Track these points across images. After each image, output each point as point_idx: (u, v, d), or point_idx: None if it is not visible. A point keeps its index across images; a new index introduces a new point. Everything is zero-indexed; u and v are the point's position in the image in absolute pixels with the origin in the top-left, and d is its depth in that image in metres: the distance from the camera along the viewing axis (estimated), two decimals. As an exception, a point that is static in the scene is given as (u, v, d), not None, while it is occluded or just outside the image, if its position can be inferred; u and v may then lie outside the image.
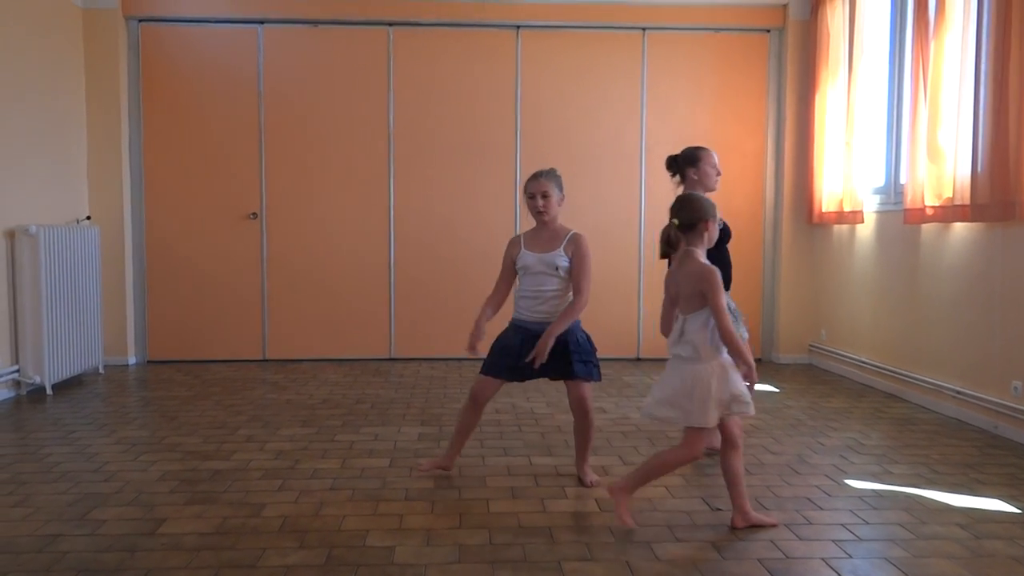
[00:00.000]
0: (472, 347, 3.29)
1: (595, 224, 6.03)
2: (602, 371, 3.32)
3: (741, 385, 2.69)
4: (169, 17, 5.97)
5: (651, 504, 3.04)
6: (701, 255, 2.75)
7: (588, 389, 3.26)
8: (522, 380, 3.29)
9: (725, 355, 2.68)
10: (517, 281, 3.37)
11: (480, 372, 3.32)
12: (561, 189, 3.30)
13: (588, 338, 3.29)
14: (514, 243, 3.37)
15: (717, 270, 2.66)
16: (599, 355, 3.29)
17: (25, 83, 5.05)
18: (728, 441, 2.78)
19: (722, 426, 2.74)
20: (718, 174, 3.73)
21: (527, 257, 3.27)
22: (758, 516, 2.83)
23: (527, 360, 3.16)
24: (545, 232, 3.30)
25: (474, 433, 3.62)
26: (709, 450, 3.83)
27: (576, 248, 3.23)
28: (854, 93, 5.36)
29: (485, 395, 3.31)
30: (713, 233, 2.78)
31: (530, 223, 3.37)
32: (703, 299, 2.65)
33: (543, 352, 3.13)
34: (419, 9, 6.03)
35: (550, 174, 3.27)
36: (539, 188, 3.24)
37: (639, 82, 6.22)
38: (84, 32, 5.78)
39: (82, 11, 5.76)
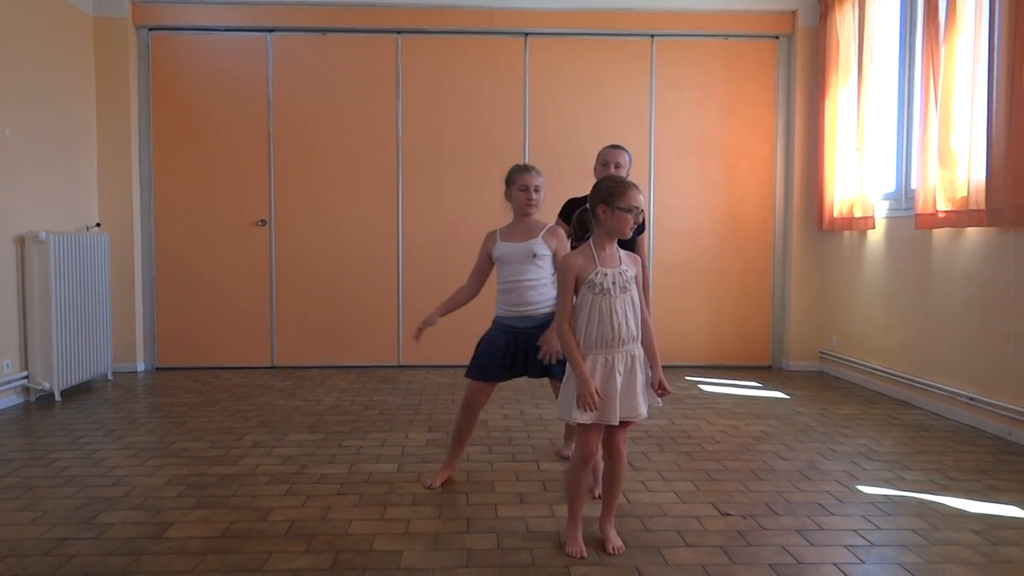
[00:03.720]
0: (418, 333, 3.30)
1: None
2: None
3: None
4: (179, 26, 6.00)
5: (660, 510, 3.01)
6: (581, 244, 2.58)
7: None
8: (509, 379, 3.28)
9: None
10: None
11: (467, 376, 3.30)
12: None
13: None
14: (490, 237, 3.34)
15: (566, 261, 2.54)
16: None
17: (36, 90, 5.09)
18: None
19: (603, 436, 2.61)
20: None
21: (503, 247, 3.26)
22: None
23: (539, 358, 3.14)
24: (521, 225, 3.28)
25: (477, 438, 3.60)
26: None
27: (560, 241, 3.23)
28: (864, 98, 5.33)
29: (478, 400, 3.30)
30: (615, 222, 2.49)
31: (505, 220, 3.35)
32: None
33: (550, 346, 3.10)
34: (427, 17, 6.05)
35: (538, 170, 3.28)
36: (534, 182, 3.24)
37: (648, 88, 6.21)
38: (95, 40, 5.81)
39: (93, 19, 5.80)
